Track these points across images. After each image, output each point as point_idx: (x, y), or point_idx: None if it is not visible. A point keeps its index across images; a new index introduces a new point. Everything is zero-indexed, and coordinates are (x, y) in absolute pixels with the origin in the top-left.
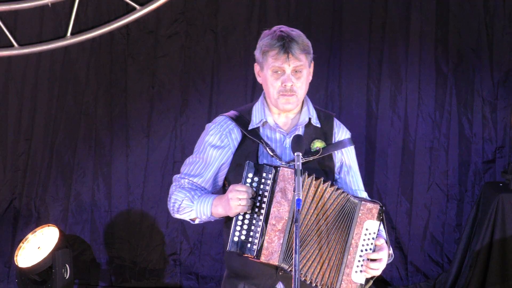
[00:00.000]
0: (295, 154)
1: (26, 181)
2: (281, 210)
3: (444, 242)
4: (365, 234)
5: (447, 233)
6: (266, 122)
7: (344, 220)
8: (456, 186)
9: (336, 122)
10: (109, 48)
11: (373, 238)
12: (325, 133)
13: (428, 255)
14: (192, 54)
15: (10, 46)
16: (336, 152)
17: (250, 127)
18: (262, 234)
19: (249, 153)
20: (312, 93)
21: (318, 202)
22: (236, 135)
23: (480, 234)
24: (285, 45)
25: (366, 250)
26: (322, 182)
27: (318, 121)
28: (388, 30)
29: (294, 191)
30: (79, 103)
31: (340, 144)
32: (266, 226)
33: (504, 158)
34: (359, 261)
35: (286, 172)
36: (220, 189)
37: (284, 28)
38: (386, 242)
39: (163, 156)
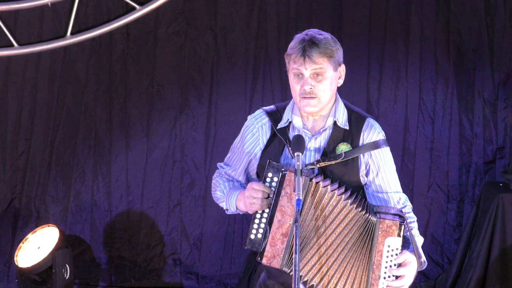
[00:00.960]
0: (295, 154)
1: (26, 181)
2: (285, 214)
3: (444, 242)
4: (388, 251)
5: (447, 233)
6: (291, 122)
7: (365, 237)
8: (457, 187)
9: (368, 124)
10: (109, 48)
11: (396, 254)
12: (352, 135)
13: (428, 255)
14: (192, 54)
15: (10, 46)
16: (362, 155)
17: (279, 126)
18: (265, 237)
19: (275, 151)
20: None
21: (324, 209)
22: (267, 130)
23: (480, 234)
24: (304, 48)
25: (390, 266)
26: (336, 189)
27: (347, 124)
28: (388, 30)
29: (294, 191)
30: (79, 103)
31: (367, 147)
32: (269, 229)
33: (504, 159)
34: (384, 278)
35: (292, 177)
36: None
37: (311, 31)
38: (414, 252)
39: (163, 155)
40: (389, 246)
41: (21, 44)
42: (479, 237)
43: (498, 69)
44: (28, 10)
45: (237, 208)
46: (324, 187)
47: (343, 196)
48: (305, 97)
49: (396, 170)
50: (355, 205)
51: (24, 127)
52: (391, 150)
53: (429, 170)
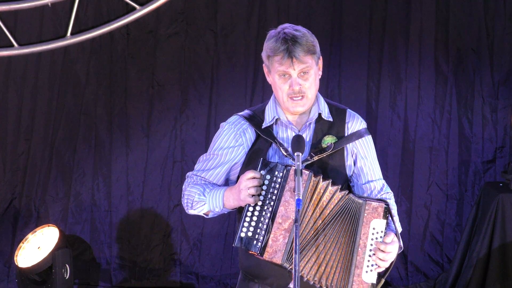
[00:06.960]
0: (295, 154)
1: (26, 181)
2: (288, 209)
3: (444, 242)
4: (373, 233)
5: (447, 233)
6: (278, 119)
7: (350, 221)
8: (456, 186)
9: (350, 114)
10: (109, 48)
11: (381, 237)
12: (337, 127)
13: (428, 255)
14: (192, 54)
15: (10, 46)
16: (348, 145)
17: (263, 126)
18: (268, 232)
19: (262, 152)
20: None
21: (325, 205)
22: (250, 134)
23: (480, 234)
24: (288, 49)
25: (375, 248)
26: (330, 184)
27: (330, 116)
28: (388, 30)
29: (293, 190)
30: (79, 103)
31: (353, 136)
32: (272, 224)
33: (504, 158)
34: (368, 260)
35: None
36: None
37: (288, 29)
38: (396, 234)
39: (163, 156)
40: (374, 229)
41: (21, 44)
42: (479, 237)
43: (498, 68)
44: (28, 10)
45: (223, 205)
46: (326, 185)
47: (337, 187)
48: (293, 98)
49: (396, 170)
50: (348, 193)
51: (24, 127)
52: (392, 150)
53: (429, 170)
